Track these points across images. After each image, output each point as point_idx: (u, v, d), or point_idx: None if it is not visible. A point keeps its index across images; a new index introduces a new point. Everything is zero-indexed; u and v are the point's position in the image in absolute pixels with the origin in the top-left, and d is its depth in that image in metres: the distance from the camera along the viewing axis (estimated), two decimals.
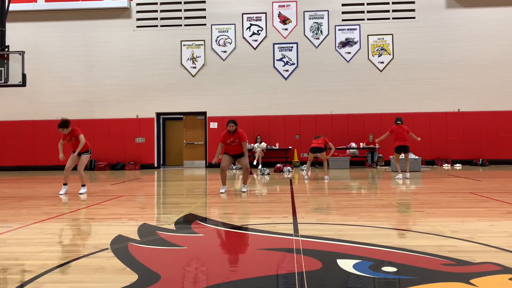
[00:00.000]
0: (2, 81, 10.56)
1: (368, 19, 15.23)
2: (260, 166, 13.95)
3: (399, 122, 10.12)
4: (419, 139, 10.44)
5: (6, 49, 10.80)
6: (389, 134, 10.15)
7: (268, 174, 11.81)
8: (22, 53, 10.75)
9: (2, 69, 10.57)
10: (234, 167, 13.99)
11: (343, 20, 15.30)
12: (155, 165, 15.41)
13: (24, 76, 10.67)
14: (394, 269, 2.81)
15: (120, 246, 3.54)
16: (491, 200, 5.96)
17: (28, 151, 15.35)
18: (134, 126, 15.37)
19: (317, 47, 15.29)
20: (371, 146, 14.23)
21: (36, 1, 15.57)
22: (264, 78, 15.25)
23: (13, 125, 15.43)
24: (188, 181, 10.65)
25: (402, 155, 10.50)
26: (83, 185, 7.72)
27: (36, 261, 3.14)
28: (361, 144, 14.59)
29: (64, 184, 7.66)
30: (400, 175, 9.90)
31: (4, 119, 15.48)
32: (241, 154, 7.43)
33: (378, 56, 15.08)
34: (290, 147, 15.04)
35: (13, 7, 13.69)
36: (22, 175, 13.20)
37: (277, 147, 15.01)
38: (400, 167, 10.23)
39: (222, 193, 7.33)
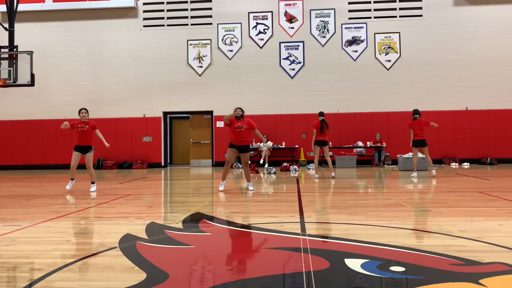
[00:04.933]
0: (11, 81, 10.65)
1: (375, 17, 15.15)
2: (266, 165, 13.95)
3: (416, 116, 9.85)
4: (436, 125, 10.39)
5: (15, 49, 10.89)
6: (411, 129, 9.92)
7: (275, 173, 11.81)
8: (30, 53, 10.83)
9: (11, 69, 10.66)
10: (240, 165, 14.01)
11: (349, 18, 15.23)
12: (162, 164, 15.47)
13: (32, 76, 10.76)
14: (402, 269, 2.79)
15: (128, 245, 3.57)
16: (499, 200, 5.91)
17: (37, 150, 15.49)
18: (141, 125, 15.44)
19: (323, 46, 15.24)
20: (378, 145, 14.17)
21: (44, 2, 15.69)
22: (270, 77, 15.24)
23: (22, 125, 15.57)
24: (195, 180, 10.68)
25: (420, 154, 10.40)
26: (93, 183, 7.88)
27: (45, 260, 3.17)
28: (368, 143, 14.53)
29: (72, 179, 7.90)
30: (415, 174, 9.79)
31: (13, 118, 15.63)
32: (246, 147, 7.51)
33: (385, 55, 15.00)
34: (296, 146, 15.02)
35: (21, 7, 13.80)
36: (31, 174, 13.32)
37: (283, 146, 15.00)
38: (417, 166, 10.13)
39: (221, 190, 7.48)
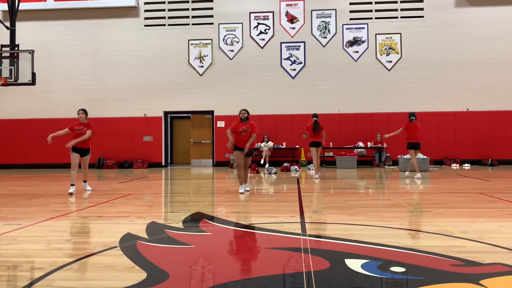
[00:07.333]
0: (12, 80, 10.68)
1: (376, 18, 15.14)
2: (267, 165, 13.94)
3: (413, 118, 9.90)
4: (397, 132, 10.08)
5: (16, 48, 10.91)
6: (403, 130, 9.96)
7: (275, 173, 11.81)
8: (31, 52, 10.85)
9: (12, 68, 10.69)
10: None
11: (350, 19, 15.22)
12: (163, 164, 15.47)
13: (33, 75, 10.78)
14: (402, 269, 2.80)
15: (129, 244, 3.57)
16: (500, 201, 5.91)
17: (38, 149, 15.48)
18: (142, 125, 15.45)
19: (324, 46, 15.23)
20: (379, 145, 14.17)
21: (45, 0, 15.69)
22: (271, 77, 15.24)
23: (23, 124, 15.58)
24: (195, 179, 10.69)
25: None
26: (85, 181, 8.08)
27: (46, 259, 3.18)
28: (368, 143, 14.52)
29: (72, 185, 7.55)
30: (418, 175, 9.61)
31: (14, 117, 15.64)
32: (251, 152, 7.29)
33: (386, 55, 14.99)
34: (297, 146, 15.01)
35: (22, 6, 13.83)
36: (32, 173, 13.33)
37: (284, 146, 15.00)
38: (410, 166, 10.14)
39: (241, 193, 7.05)
